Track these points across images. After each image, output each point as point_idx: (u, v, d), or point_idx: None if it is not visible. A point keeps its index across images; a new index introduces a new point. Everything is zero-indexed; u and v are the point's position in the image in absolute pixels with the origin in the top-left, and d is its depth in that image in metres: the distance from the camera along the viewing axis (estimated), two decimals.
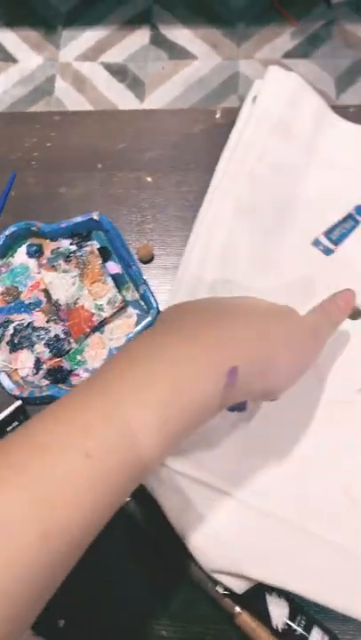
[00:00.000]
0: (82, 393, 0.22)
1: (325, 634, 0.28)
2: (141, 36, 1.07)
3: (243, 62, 1.04)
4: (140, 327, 0.35)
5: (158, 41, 1.08)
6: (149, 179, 0.40)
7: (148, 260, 0.38)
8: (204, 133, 0.41)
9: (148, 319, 0.35)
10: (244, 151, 0.35)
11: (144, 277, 0.36)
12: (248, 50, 1.05)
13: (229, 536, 0.28)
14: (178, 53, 1.06)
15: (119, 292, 0.36)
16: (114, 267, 0.37)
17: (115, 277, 0.37)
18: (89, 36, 1.11)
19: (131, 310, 0.36)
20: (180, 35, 1.07)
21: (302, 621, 0.28)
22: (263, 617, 0.29)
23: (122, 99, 1.03)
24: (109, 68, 1.07)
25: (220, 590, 0.29)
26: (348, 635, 0.30)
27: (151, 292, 0.36)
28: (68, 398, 0.21)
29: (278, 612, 0.29)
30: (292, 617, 0.29)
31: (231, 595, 0.29)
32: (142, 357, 0.23)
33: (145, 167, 0.41)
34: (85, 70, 1.07)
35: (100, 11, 1.11)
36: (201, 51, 1.05)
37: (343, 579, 0.28)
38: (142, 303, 0.36)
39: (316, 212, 0.36)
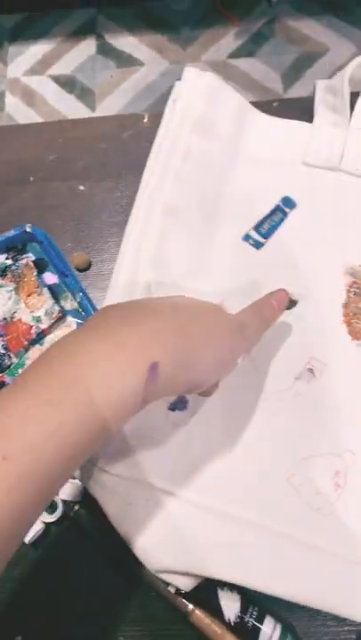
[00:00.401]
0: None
1: (278, 622, 0.29)
2: (88, 47, 1.08)
3: (189, 65, 1.05)
4: None
5: (105, 50, 1.08)
6: (82, 187, 0.40)
7: (84, 267, 0.38)
8: (133, 138, 0.41)
9: None
10: (167, 153, 0.36)
11: (81, 285, 0.37)
12: (194, 53, 1.06)
13: (172, 535, 0.28)
14: (125, 61, 1.06)
15: (57, 302, 0.36)
16: (51, 277, 0.37)
17: (52, 288, 0.37)
18: (35, 50, 1.11)
19: (70, 319, 0.36)
20: (126, 42, 1.08)
21: (254, 613, 0.29)
22: (217, 612, 0.29)
23: (73, 110, 1.03)
24: (58, 80, 1.07)
25: (172, 590, 0.29)
26: (303, 621, 0.30)
27: (89, 300, 0.36)
28: None
29: (230, 606, 0.29)
30: (243, 609, 0.29)
31: (184, 593, 0.29)
32: (61, 357, 0.23)
33: (77, 176, 0.41)
34: (34, 84, 1.07)
35: (45, 24, 1.11)
36: (147, 57, 1.06)
37: (287, 565, 0.28)
38: (81, 311, 0.36)
39: (245, 207, 0.37)
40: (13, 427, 0.20)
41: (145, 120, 0.42)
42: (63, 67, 1.07)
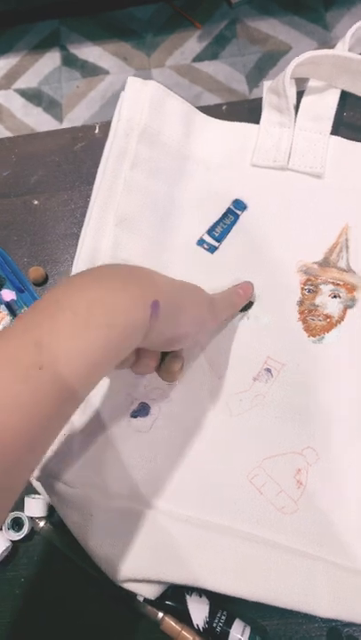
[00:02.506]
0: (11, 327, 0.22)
1: (247, 625, 0.29)
2: (52, 59, 1.08)
3: (155, 71, 1.06)
4: None
5: (69, 61, 1.08)
6: (36, 202, 0.40)
7: (41, 281, 0.38)
8: (86, 150, 0.42)
9: None
10: (115, 163, 0.36)
11: (38, 299, 0.36)
12: (158, 58, 1.06)
13: (135, 544, 0.28)
14: (90, 70, 1.07)
15: (15, 317, 0.36)
16: (8, 294, 0.37)
17: (9, 304, 0.37)
18: (0, 65, 1.11)
19: None
20: (90, 52, 1.08)
21: (223, 617, 0.29)
22: (186, 618, 0.29)
23: (40, 122, 1.03)
24: (24, 93, 1.07)
25: (141, 599, 0.29)
26: (274, 620, 0.30)
27: None
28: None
29: (199, 611, 0.29)
30: (212, 614, 0.29)
31: (153, 601, 0.29)
32: (70, 292, 0.22)
33: (31, 191, 0.41)
34: (0, 99, 1.07)
35: (8, 39, 1.11)
36: (113, 65, 1.07)
37: (251, 566, 0.28)
38: None
39: (198, 212, 0.37)
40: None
41: (96, 131, 0.42)
42: (29, 80, 1.07)
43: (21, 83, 1.07)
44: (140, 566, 0.28)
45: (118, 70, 1.06)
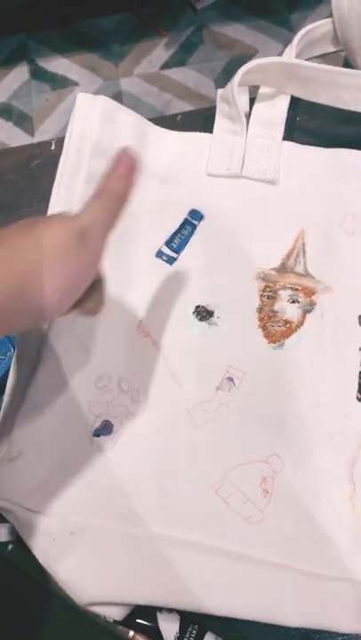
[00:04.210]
0: None
1: (218, 638, 0.29)
2: (21, 73, 1.08)
3: (123, 81, 1.06)
4: None
5: (38, 74, 1.08)
6: None
7: None
8: (42, 167, 0.41)
9: (5, 362, 0.35)
10: (70, 179, 0.36)
11: None
12: (126, 68, 1.07)
13: (99, 566, 0.28)
14: (59, 83, 1.07)
15: None
16: None
17: None
18: None
19: None
20: (59, 64, 1.08)
21: (193, 632, 0.28)
22: (157, 635, 0.29)
23: (12, 136, 1.03)
24: None
25: (111, 619, 0.29)
26: (246, 631, 0.30)
27: (7, 336, 0.36)
28: None
29: (169, 628, 0.29)
30: (182, 630, 0.29)
31: (123, 621, 0.29)
32: None
33: None
34: None
35: None
36: (81, 76, 1.07)
37: (219, 580, 0.28)
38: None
39: (155, 224, 0.37)
40: None
41: (52, 147, 0.42)
42: None
43: None
44: (106, 589, 0.28)
45: (87, 81, 1.07)
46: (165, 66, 1.13)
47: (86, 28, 1.13)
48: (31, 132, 1.04)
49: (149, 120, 0.40)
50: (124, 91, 1.05)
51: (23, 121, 1.05)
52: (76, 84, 1.08)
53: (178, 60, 1.12)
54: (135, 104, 1.05)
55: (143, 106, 1.02)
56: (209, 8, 1.08)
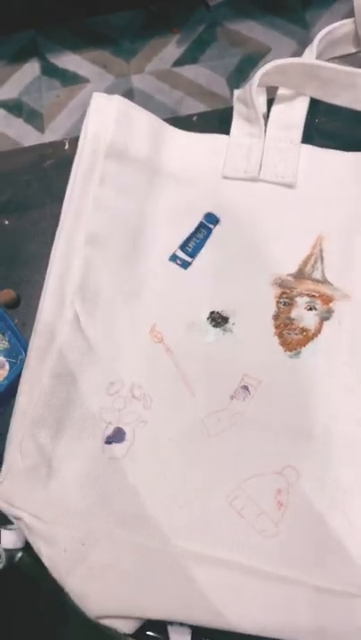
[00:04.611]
0: None
1: None
2: (31, 69, 1.07)
3: (135, 77, 1.05)
4: (8, 375, 0.34)
5: (49, 70, 1.07)
6: (7, 222, 0.40)
7: (13, 304, 0.37)
8: (56, 167, 0.41)
9: (17, 365, 0.34)
10: (84, 180, 0.35)
11: (9, 323, 0.36)
12: (138, 65, 1.06)
13: (112, 578, 0.27)
14: (70, 79, 1.06)
15: None
16: None
17: None
18: None
19: (2, 359, 0.36)
20: (70, 60, 1.07)
21: None
22: None
23: (22, 133, 1.02)
24: (5, 105, 1.06)
25: (121, 633, 0.29)
26: None
27: (18, 338, 0.35)
28: None
29: None
30: None
31: (134, 633, 0.29)
32: None
33: (1, 211, 0.40)
34: None
35: None
36: (92, 73, 1.06)
37: (233, 595, 0.27)
38: (12, 350, 0.36)
39: (170, 227, 0.36)
40: None
41: (66, 147, 0.41)
42: (8, 91, 1.06)
43: (1, 94, 1.06)
44: (118, 602, 0.27)
45: (98, 78, 1.06)
46: (177, 63, 1.12)
47: (97, 25, 1.12)
48: (41, 129, 1.03)
49: (165, 120, 0.39)
50: (136, 88, 1.04)
51: (34, 117, 1.04)
52: (86, 80, 1.07)
53: (190, 58, 1.11)
54: (146, 101, 1.04)
55: (155, 103, 1.01)
56: (222, 5, 1.07)
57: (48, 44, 1.08)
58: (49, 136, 1.02)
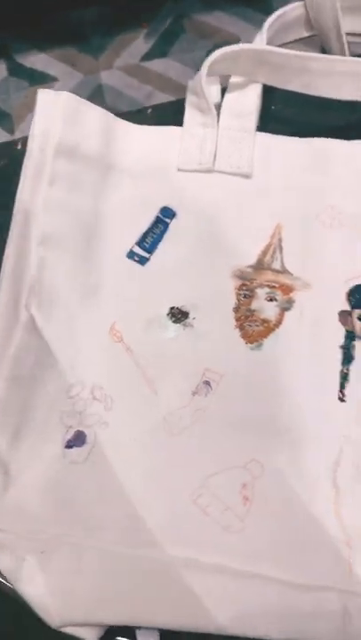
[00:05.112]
0: None
1: None
2: None
3: (104, 74, 1.03)
4: None
5: (16, 71, 1.06)
6: None
7: None
8: (8, 168, 0.40)
9: None
10: (33, 180, 0.34)
11: None
12: (107, 61, 1.04)
13: (74, 586, 0.27)
14: (39, 79, 1.04)
15: None
16: None
17: None
18: None
19: None
20: (37, 60, 1.05)
21: None
22: None
23: None
24: None
25: None
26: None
27: None
28: None
29: None
30: None
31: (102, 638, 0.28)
32: None
33: None
34: None
35: None
36: (61, 71, 1.04)
37: (197, 597, 0.27)
38: None
39: (127, 223, 0.35)
40: None
41: (19, 147, 0.40)
42: None
43: None
44: (81, 610, 0.26)
45: (67, 76, 1.04)
46: (146, 57, 1.10)
47: (64, 22, 1.10)
48: (11, 131, 1.02)
49: (118, 115, 0.38)
50: (105, 84, 1.03)
51: (2, 119, 1.02)
52: (55, 79, 1.05)
53: (159, 52, 1.09)
54: (116, 97, 1.03)
55: (124, 99, 0.99)
56: None
57: (15, 43, 1.06)
58: (19, 137, 1.01)
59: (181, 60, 1.08)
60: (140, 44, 1.12)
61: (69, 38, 1.17)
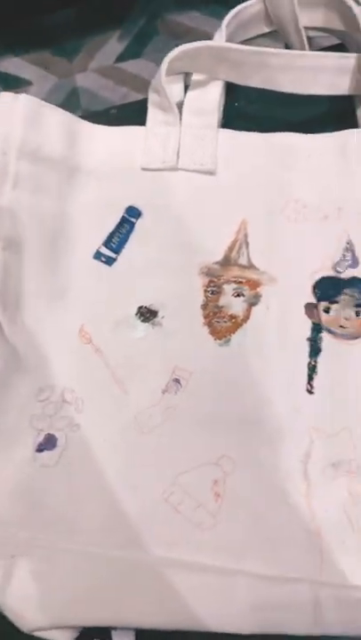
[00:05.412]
0: None
1: None
2: None
3: (79, 76, 1.03)
4: None
5: None
6: None
7: None
8: None
9: None
10: None
11: None
12: (81, 63, 1.04)
13: (46, 590, 0.27)
14: (12, 83, 1.04)
15: None
16: None
17: None
18: None
19: None
20: (11, 64, 1.05)
21: None
22: None
23: None
24: None
25: None
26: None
27: None
28: None
29: None
30: None
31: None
32: None
33: None
34: None
35: None
36: (35, 75, 1.03)
37: (172, 594, 0.27)
38: None
39: (93, 224, 0.35)
40: None
41: None
42: None
43: None
44: (55, 611, 0.26)
45: (41, 80, 1.03)
46: (121, 58, 1.10)
47: (37, 26, 1.10)
48: None
49: (83, 117, 0.38)
50: (80, 87, 1.02)
51: None
52: (29, 83, 1.05)
53: (133, 52, 1.09)
54: (91, 99, 1.02)
55: (100, 100, 0.99)
56: None
57: None
58: None
59: (156, 60, 1.08)
60: (113, 45, 1.11)
61: (43, 42, 1.16)
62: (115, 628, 0.28)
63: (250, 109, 0.39)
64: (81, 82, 1.07)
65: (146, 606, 0.27)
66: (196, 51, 0.34)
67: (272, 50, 0.34)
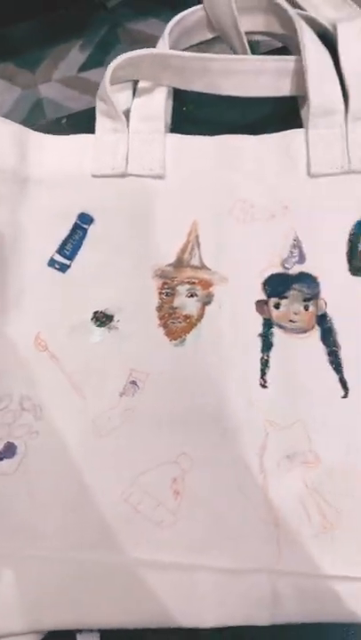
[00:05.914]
0: None
1: None
2: None
3: (42, 87, 1.04)
4: None
5: None
6: None
7: None
8: None
9: None
10: None
11: None
12: (44, 73, 1.04)
13: (7, 595, 0.27)
14: None
15: None
16: None
17: None
18: None
19: None
20: None
21: None
22: None
23: None
24: None
25: None
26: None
27: None
28: None
29: None
30: None
31: None
32: None
33: None
34: None
35: None
36: None
37: (135, 593, 0.27)
38: None
39: (46, 232, 0.35)
40: None
41: None
42: None
43: None
44: (17, 618, 0.27)
45: (4, 91, 1.04)
46: (84, 67, 1.11)
47: None
48: None
49: (34, 127, 0.38)
50: (45, 97, 1.03)
51: None
52: None
53: (96, 61, 1.10)
54: (57, 109, 1.03)
55: (65, 110, 1.00)
56: (120, 5, 1.06)
57: None
58: None
59: None
60: (76, 55, 1.12)
61: (5, 54, 1.16)
62: (80, 631, 0.28)
63: (198, 113, 0.40)
64: (45, 92, 1.07)
65: (112, 606, 0.27)
66: (139, 59, 0.35)
67: (213, 55, 0.35)
